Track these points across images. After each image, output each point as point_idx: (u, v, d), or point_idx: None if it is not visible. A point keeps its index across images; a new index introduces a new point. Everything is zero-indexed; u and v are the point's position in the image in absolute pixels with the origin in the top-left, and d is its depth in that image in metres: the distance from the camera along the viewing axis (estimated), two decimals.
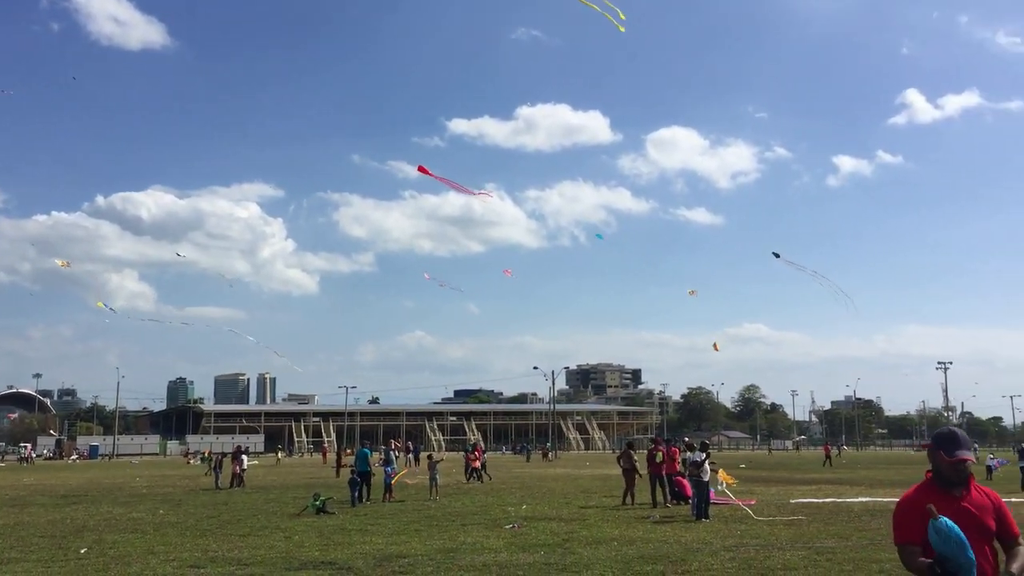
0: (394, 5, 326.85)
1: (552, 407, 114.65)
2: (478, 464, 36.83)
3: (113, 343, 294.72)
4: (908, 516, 4.60)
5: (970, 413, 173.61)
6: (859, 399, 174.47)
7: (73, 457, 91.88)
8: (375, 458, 31.05)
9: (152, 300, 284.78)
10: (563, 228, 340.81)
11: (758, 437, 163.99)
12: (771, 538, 16.28)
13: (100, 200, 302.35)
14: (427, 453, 48.63)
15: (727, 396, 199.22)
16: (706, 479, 20.60)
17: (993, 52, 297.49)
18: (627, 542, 15.76)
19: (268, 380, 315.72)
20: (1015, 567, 4.44)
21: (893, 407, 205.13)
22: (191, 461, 70.85)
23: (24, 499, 29.59)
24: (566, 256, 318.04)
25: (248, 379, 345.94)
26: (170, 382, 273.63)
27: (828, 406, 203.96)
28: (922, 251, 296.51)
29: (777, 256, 42.41)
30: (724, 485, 23.80)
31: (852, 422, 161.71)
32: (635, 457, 25.59)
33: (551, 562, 13.29)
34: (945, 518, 4.30)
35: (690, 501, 21.25)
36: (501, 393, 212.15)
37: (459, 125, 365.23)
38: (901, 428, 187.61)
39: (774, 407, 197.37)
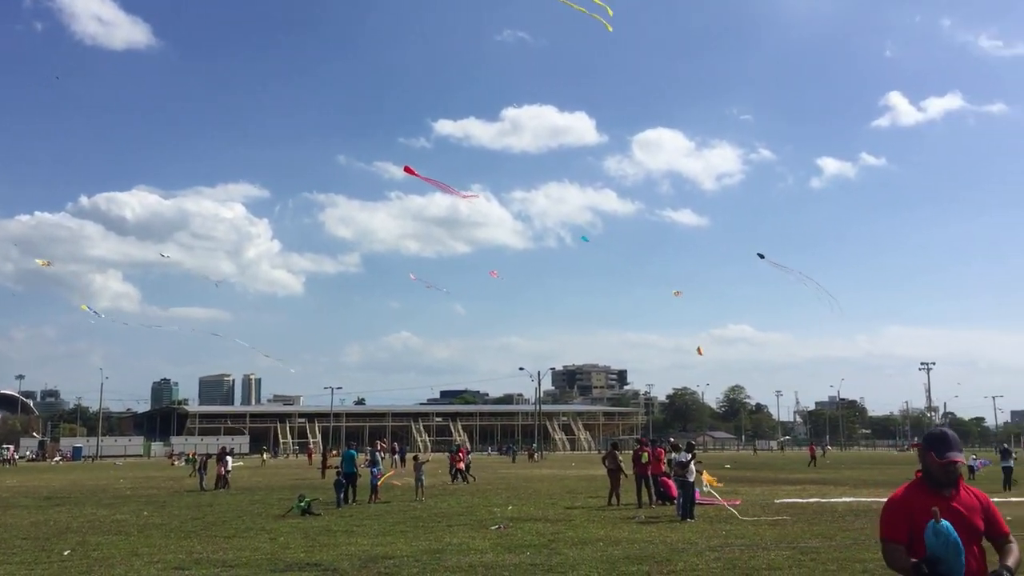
0: (380, 6, 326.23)
1: (538, 408, 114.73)
2: (462, 465, 36.88)
3: (97, 344, 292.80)
4: (895, 515, 4.66)
5: (953, 413, 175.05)
6: (843, 399, 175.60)
7: (56, 459, 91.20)
8: (361, 459, 31.00)
9: (136, 301, 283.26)
10: (549, 229, 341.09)
11: (743, 437, 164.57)
12: (756, 538, 16.36)
13: (84, 200, 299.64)
14: (413, 454, 48.60)
15: (712, 397, 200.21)
16: (691, 479, 20.69)
17: (975, 55, 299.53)
18: (613, 542, 15.80)
19: (253, 381, 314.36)
20: (1010, 562, 4.51)
21: (877, 407, 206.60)
22: (175, 463, 70.54)
23: (7, 501, 29.38)
24: (552, 257, 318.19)
25: (233, 380, 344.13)
26: (154, 383, 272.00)
27: (812, 406, 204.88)
28: (905, 252, 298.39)
29: (762, 257, 42.61)
30: (708, 487, 23.91)
31: (836, 422, 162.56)
32: (620, 458, 25.65)
33: (537, 563, 13.31)
34: (946, 522, 4.37)
35: (675, 501, 21.33)
36: (487, 394, 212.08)
37: (445, 126, 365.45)
38: (885, 428, 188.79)
39: (759, 408, 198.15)
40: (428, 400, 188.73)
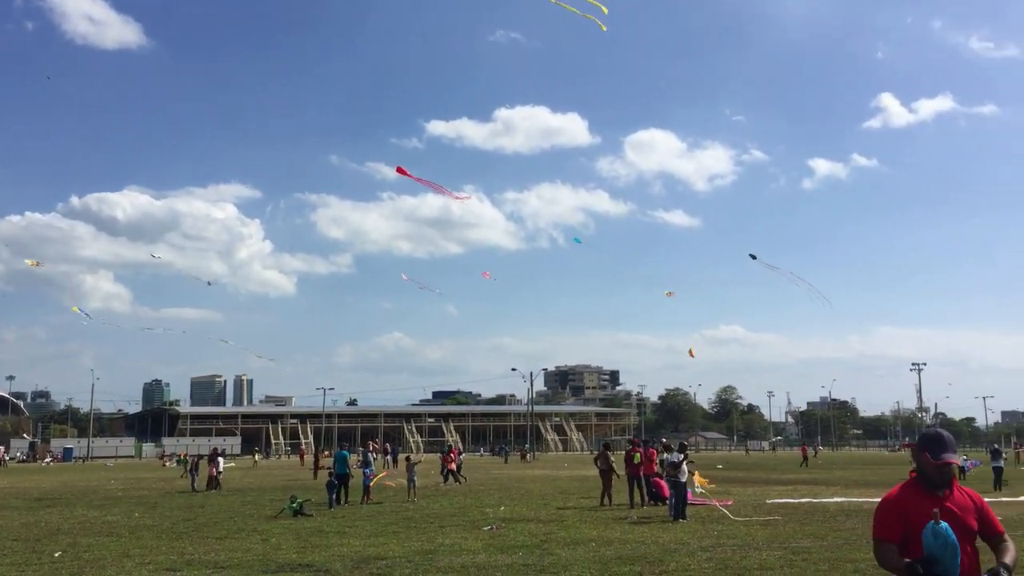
0: (373, 6, 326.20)
1: (530, 408, 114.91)
2: (453, 466, 36.89)
3: (88, 345, 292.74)
4: (889, 515, 4.68)
5: (943, 414, 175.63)
6: (834, 400, 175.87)
7: (47, 460, 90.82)
8: (353, 460, 30.96)
9: (128, 301, 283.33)
10: (541, 230, 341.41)
11: (735, 438, 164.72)
12: (748, 538, 16.38)
13: (75, 200, 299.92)
14: (405, 455, 48.53)
15: (704, 397, 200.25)
16: (684, 480, 20.71)
17: (966, 57, 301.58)
18: (605, 543, 15.81)
19: (245, 382, 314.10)
20: (1008, 559, 4.53)
21: (868, 408, 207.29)
22: (167, 464, 70.24)
23: None
24: (544, 258, 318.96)
25: (224, 381, 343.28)
26: (145, 384, 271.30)
27: (804, 407, 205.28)
28: (897, 253, 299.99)
29: (754, 258, 42.79)
30: (700, 488, 23.96)
31: (828, 423, 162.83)
32: (612, 458, 25.66)
33: (529, 563, 13.31)
34: (946, 524, 4.39)
35: (667, 502, 21.34)
36: (479, 395, 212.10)
37: (437, 127, 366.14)
38: (876, 429, 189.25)
39: (751, 408, 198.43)
40: (420, 401, 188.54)
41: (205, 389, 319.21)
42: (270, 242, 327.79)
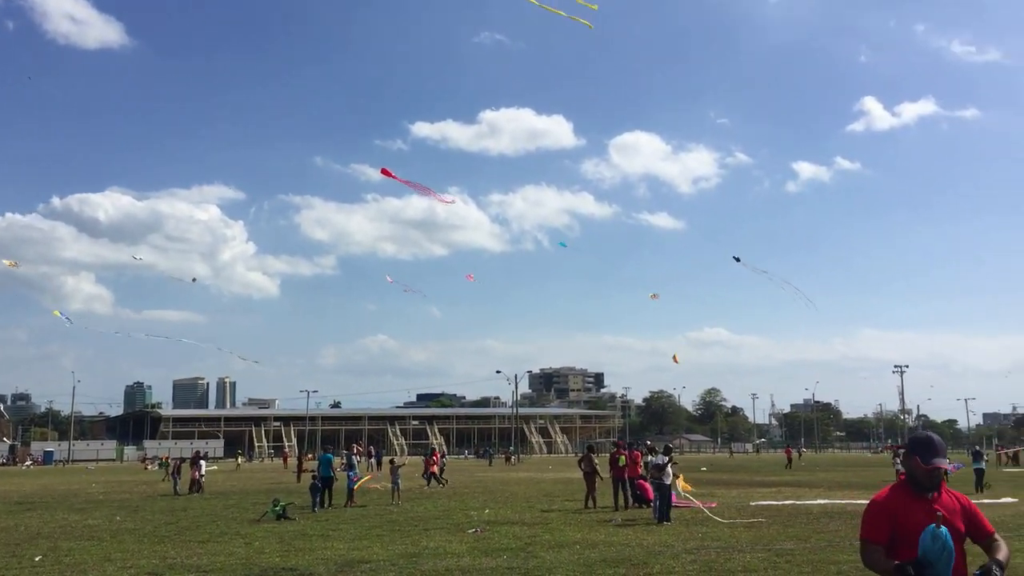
0: (357, 8, 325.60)
1: (515, 411, 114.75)
2: (435, 468, 36.84)
3: (69, 347, 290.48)
4: (878, 516, 4.69)
5: (926, 416, 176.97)
6: (818, 402, 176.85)
7: (27, 463, 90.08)
8: (337, 463, 30.82)
9: (109, 303, 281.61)
10: (526, 232, 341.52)
11: (719, 440, 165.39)
12: (732, 540, 16.42)
13: (56, 201, 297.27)
14: (390, 458, 48.40)
15: (688, 399, 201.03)
16: (668, 482, 20.73)
17: (948, 61, 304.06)
18: (589, 545, 15.82)
19: (228, 384, 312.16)
20: (1000, 556, 4.55)
21: (851, 410, 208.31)
22: (149, 467, 69.80)
23: None
24: (529, 260, 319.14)
25: (207, 383, 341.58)
26: (127, 386, 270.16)
27: (787, 409, 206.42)
28: (880, 256, 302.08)
29: (738, 260, 43.00)
30: (683, 492, 23.99)
31: (811, 425, 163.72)
32: (596, 461, 25.68)
33: (514, 566, 13.29)
34: (946, 529, 4.40)
35: (652, 504, 21.37)
36: (464, 397, 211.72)
37: (422, 128, 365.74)
38: (859, 431, 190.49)
39: (735, 410, 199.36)
40: (405, 403, 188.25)
41: (188, 392, 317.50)
42: (254, 244, 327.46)
